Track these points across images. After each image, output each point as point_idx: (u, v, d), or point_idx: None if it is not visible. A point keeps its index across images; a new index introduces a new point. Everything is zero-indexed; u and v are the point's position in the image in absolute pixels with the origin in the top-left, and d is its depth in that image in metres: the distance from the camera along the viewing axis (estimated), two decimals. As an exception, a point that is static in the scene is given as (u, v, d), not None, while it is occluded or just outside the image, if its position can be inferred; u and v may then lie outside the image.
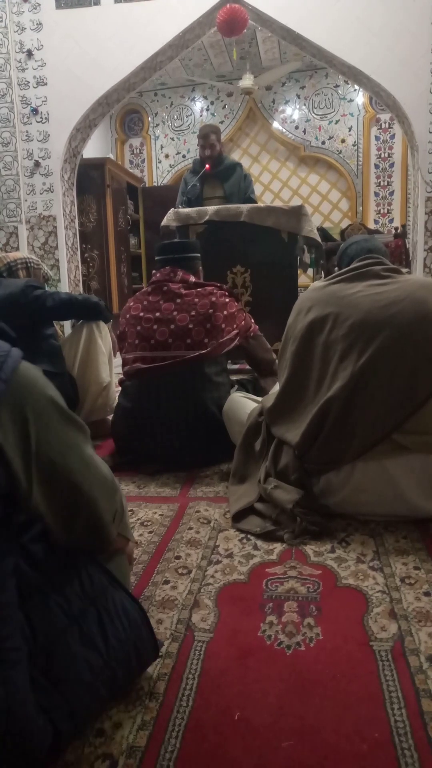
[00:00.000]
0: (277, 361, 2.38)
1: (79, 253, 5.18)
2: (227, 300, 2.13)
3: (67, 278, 4.85)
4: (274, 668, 1.02)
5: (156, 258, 2.24)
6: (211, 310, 2.06)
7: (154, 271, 2.23)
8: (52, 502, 0.83)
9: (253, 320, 2.28)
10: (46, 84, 4.61)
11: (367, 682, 0.99)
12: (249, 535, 1.52)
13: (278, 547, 1.46)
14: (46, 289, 2.38)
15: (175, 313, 2.07)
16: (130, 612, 0.93)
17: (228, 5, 4.23)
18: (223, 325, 2.09)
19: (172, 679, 0.99)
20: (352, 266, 1.70)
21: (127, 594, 0.96)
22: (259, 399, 1.95)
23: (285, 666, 1.03)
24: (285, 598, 1.23)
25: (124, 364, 2.16)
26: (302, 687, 0.98)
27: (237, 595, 1.25)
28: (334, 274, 1.72)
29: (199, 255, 2.25)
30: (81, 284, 5.19)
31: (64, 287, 4.81)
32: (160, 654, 1.05)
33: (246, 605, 1.21)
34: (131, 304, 2.18)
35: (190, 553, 1.44)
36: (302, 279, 5.28)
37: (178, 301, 2.08)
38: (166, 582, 1.30)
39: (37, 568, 0.88)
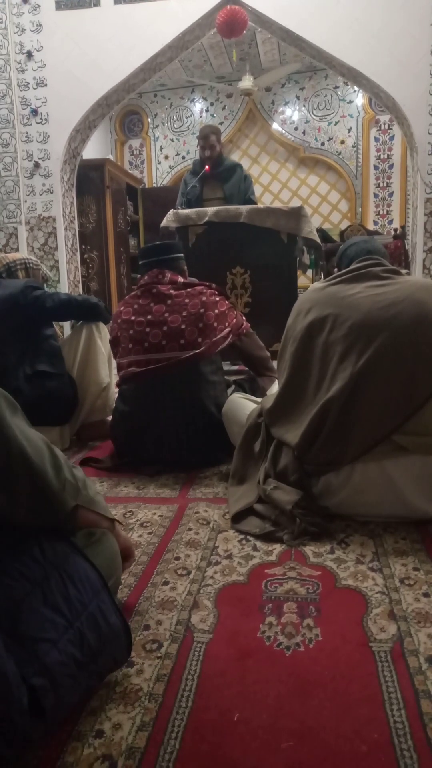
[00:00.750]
0: (269, 358, 2.39)
1: (78, 254, 5.18)
2: (217, 299, 2.14)
3: (66, 279, 4.86)
4: (274, 669, 1.02)
5: (140, 262, 2.24)
6: (202, 310, 2.06)
7: (139, 276, 2.23)
8: None
9: (244, 318, 2.28)
10: (46, 85, 4.62)
11: (367, 683, 0.99)
12: (248, 536, 1.52)
13: (277, 548, 1.46)
14: (46, 289, 2.38)
15: (166, 314, 2.07)
16: (92, 578, 0.94)
17: (228, 7, 4.24)
18: (216, 324, 2.09)
19: (171, 680, 0.99)
20: (351, 267, 1.70)
21: (86, 560, 0.96)
22: (259, 400, 1.95)
23: (284, 667, 1.03)
24: (284, 599, 1.23)
25: (119, 369, 2.17)
26: (302, 688, 0.98)
27: (236, 596, 1.25)
28: (333, 275, 1.72)
29: (182, 255, 2.25)
30: (80, 285, 5.19)
31: (64, 288, 4.81)
32: (159, 655, 1.05)
33: (245, 606, 1.21)
34: (122, 308, 2.18)
35: (190, 554, 1.44)
36: (301, 280, 5.29)
37: (169, 302, 2.08)
38: (166, 583, 1.30)
39: None
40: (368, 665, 1.03)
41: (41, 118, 4.68)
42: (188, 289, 2.11)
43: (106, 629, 0.91)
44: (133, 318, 2.10)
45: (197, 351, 2.03)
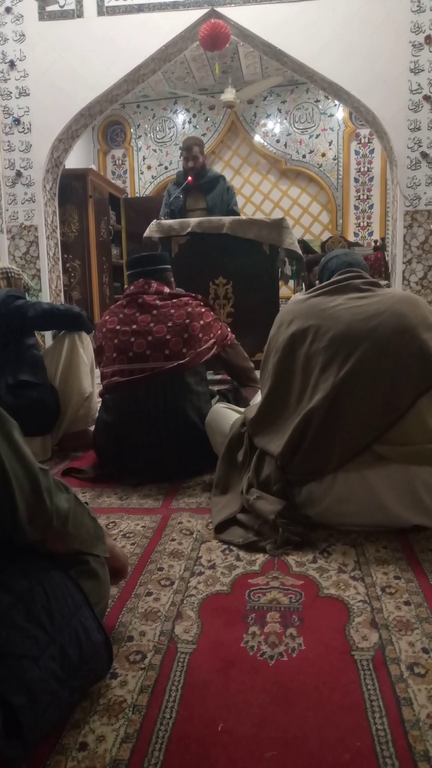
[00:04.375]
0: (253, 368, 2.41)
1: (60, 263, 5.17)
2: (203, 310, 2.15)
3: (48, 288, 4.84)
4: (257, 679, 1.03)
5: (128, 272, 2.24)
6: (187, 321, 2.07)
7: (126, 285, 2.24)
8: None
9: (229, 329, 2.30)
10: (28, 95, 4.63)
11: (349, 691, 1.00)
12: (231, 546, 1.52)
13: (261, 557, 1.46)
14: (27, 299, 2.37)
15: (151, 324, 2.07)
16: (73, 593, 0.93)
17: (211, 20, 4.29)
18: (201, 335, 2.10)
19: (155, 691, 0.99)
20: (332, 280, 1.72)
21: (69, 577, 0.95)
22: (242, 410, 1.97)
23: (268, 676, 1.03)
24: (267, 608, 1.24)
25: (102, 378, 2.16)
26: (285, 697, 0.98)
27: (220, 606, 1.26)
28: (315, 287, 1.75)
29: (170, 266, 2.27)
30: (62, 294, 5.18)
31: (46, 297, 4.80)
32: (143, 666, 1.05)
33: (229, 616, 1.22)
34: (107, 317, 2.18)
35: (173, 564, 1.44)
36: (283, 290, 5.33)
37: (155, 312, 2.09)
38: (149, 594, 1.30)
39: None
40: (350, 673, 1.04)
41: (23, 128, 4.68)
42: (174, 300, 2.12)
43: (87, 645, 0.90)
44: (118, 327, 2.11)
45: (181, 361, 2.03)
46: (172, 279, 2.26)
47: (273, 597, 1.28)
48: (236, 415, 1.92)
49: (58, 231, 5.14)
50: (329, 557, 1.46)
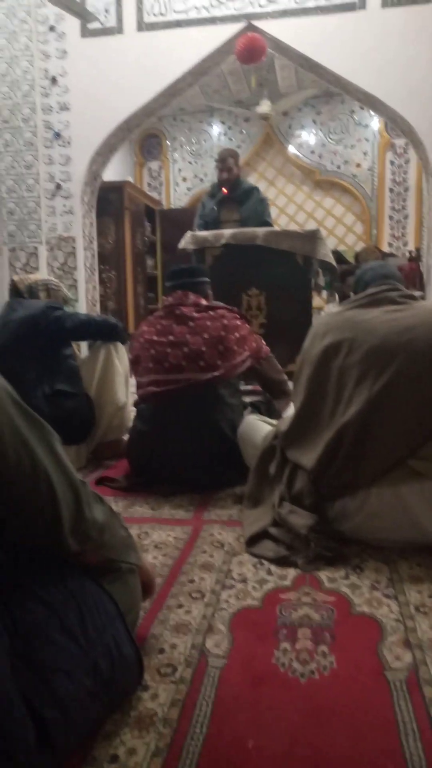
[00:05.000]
0: (287, 381, 2.40)
1: (97, 273, 5.26)
2: (238, 322, 2.16)
3: (84, 298, 4.93)
4: (288, 696, 1.02)
5: (166, 284, 2.27)
6: (223, 333, 2.08)
7: (164, 297, 2.26)
8: (5, 502, 0.82)
9: (264, 342, 2.30)
10: (68, 109, 4.73)
11: (382, 712, 0.98)
12: (263, 560, 1.52)
13: (292, 572, 1.45)
14: (65, 310, 2.42)
15: (188, 336, 2.09)
16: (108, 607, 0.93)
17: (247, 34, 4.33)
18: (236, 347, 2.11)
19: (185, 706, 0.99)
20: (367, 292, 1.71)
21: (103, 590, 0.95)
22: (274, 422, 1.96)
23: (299, 694, 1.02)
24: (299, 624, 1.23)
25: (138, 388, 2.19)
26: (316, 716, 0.97)
27: (250, 620, 1.25)
28: (350, 300, 1.74)
29: (208, 279, 2.29)
30: (98, 304, 5.26)
31: (82, 307, 4.88)
32: (174, 680, 1.06)
33: (260, 631, 1.21)
34: (144, 328, 2.21)
35: (204, 577, 1.44)
36: (316, 301, 5.30)
37: (191, 324, 2.11)
38: (180, 606, 1.30)
39: (16, 562, 0.89)
40: (383, 694, 1.02)
41: (64, 141, 4.78)
42: (210, 312, 2.13)
43: (119, 658, 0.91)
44: (155, 338, 2.13)
45: (216, 373, 2.04)
46: (210, 292, 2.28)
47: (304, 613, 1.27)
48: (269, 428, 1.92)
49: (95, 242, 5.23)
50: (361, 574, 1.44)
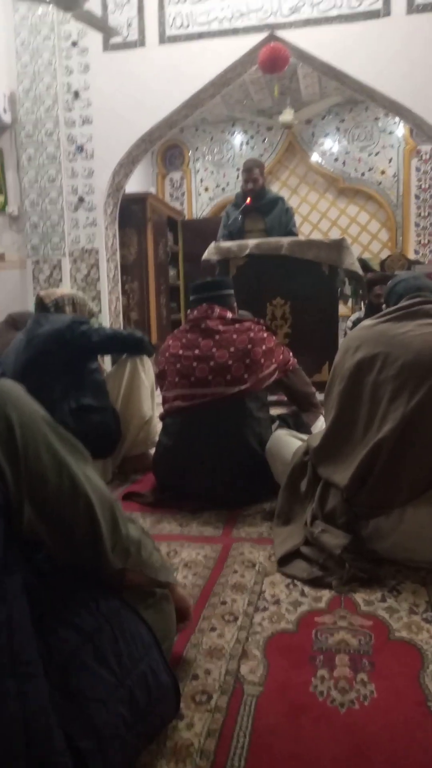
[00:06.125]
0: (315, 393, 2.36)
1: (119, 285, 5.27)
2: (265, 335, 2.13)
3: (107, 309, 4.94)
4: (328, 728, 0.98)
5: (191, 297, 2.25)
6: (249, 346, 2.06)
7: (189, 310, 2.24)
8: (47, 523, 0.84)
9: (291, 354, 2.26)
10: (91, 123, 4.77)
11: (427, 746, 0.94)
12: (296, 581, 1.48)
13: (326, 594, 1.41)
14: (90, 324, 2.41)
15: (214, 349, 2.07)
16: (143, 635, 0.91)
17: (270, 44, 4.32)
18: (263, 360, 2.08)
19: (222, 736, 0.96)
20: (400, 305, 1.67)
21: (139, 617, 0.93)
22: (304, 437, 1.92)
23: (339, 726, 0.99)
24: (336, 650, 1.19)
25: (164, 402, 2.17)
26: (358, 749, 0.94)
27: (285, 645, 1.22)
28: (382, 312, 1.70)
29: (233, 292, 2.26)
30: (121, 315, 5.27)
31: (105, 318, 4.89)
32: (209, 708, 1.02)
33: (295, 657, 1.18)
34: (170, 342, 2.19)
35: (236, 598, 1.41)
36: (341, 309, 5.25)
37: (217, 337, 2.08)
38: (213, 629, 1.27)
39: (49, 587, 0.88)
40: (427, 727, 0.98)
41: (86, 155, 4.81)
42: (236, 325, 2.11)
43: (156, 689, 0.88)
44: (180, 352, 2.11)
45: (243, 387, 2.02)
46: (235, 304, 2.25)
47: (341, 638, 1.23)
48: (298, 443, 1.88)
49: (118, 254, 5.25)
50: (399, 596, 1.39)
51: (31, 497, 0.81)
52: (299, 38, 4.33)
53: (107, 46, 4.65)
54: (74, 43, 4.68)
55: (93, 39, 4.60)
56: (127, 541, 0.94)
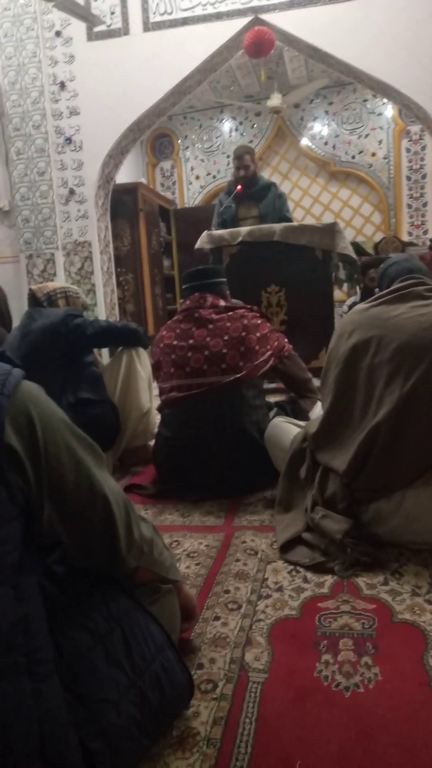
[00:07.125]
0: (311, 379, 2.35)
1: (114, 277, 5.24)
2: (259, 322, 2.12)
3: (103, 302, 4.92)
4: (334, 712, 0.99)
5: (183, 286, 2.24)
6: (243, 333, 2.05)
7: (182, 300, 2.23)
8: (65, 522, 0.84)
9: (286, 340, 2.25)
10: (78, 114, 4.72)
11: (431, 726, 0.95)
12: (298, 567, 1.49)
13: (329, 579, 1.42)
14: (85, 317, 2.40)
15: (208, 339, 2.06)
16: (155, 635, 0.92)
17: (255, 28, 4.27)
18: (257, 347, 2.07)
19: (228, 724, 0.97)
20: (393, 287, 1.66)
21: (152, 618, 0.94)
22: (302, 423, 1.92)
23: (344, 709, 0.99)
24: (339, 635, 1.20)
25: (161, 393, 2.17)
26: (364, 732, 0.94)
27: (289, 631, 1.22)
28: (375, 296, 1.69)
29: (225, 280, 2.24)
30: (117, 307, 5.25)
31: (100, 311, 4.87)
32: (215, 696, 1.03)
33: (300, 643, 1.18)
34: (164, 333, 2.18)
35: (239, 586, 1.41)
36: (337, 294, 5.24)
37: (210, 326, 2.07)
38: (217, 618, 1.28)
39: (62, 589, 0.88)
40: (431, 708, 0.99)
41: (75, 146, 4.77)
42: (230, 313, 2.10)
43: (169, 688, 0.89)
44: (175, 342, 2.11)
45: (239, 375, 2.01)
46: (228, 292, 2.24)
47: (345, 622, 1.24)
48: (296, 430, 1.88)
49: (111, 245, 5.22)
50: (401, 579, 1.40)
51: (50, 495, 0.81)
52: (284, 21, 4.28)
53: (91, 36, 4.59)
54: (58, 33, 4.62)
55: (77, 29, 4.54)
56: (140, 541, 0.95)
